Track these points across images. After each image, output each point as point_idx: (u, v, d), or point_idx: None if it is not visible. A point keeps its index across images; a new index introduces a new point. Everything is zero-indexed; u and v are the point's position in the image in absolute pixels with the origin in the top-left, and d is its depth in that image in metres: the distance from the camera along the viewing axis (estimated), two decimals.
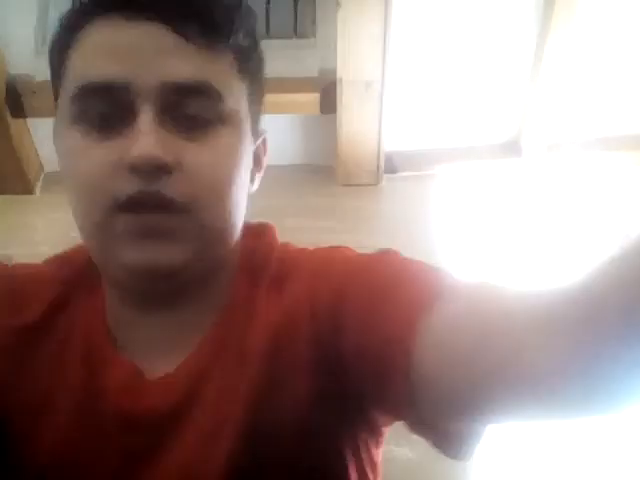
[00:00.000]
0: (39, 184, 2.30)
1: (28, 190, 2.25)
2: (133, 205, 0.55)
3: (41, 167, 2.32)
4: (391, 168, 2.27)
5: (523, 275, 2.06)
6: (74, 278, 0.66)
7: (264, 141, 0.67)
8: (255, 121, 0.63)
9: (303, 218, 2.01)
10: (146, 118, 0.54)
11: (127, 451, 0.58)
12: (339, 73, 1.99)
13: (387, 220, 2.17)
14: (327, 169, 2.28)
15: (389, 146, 2.21)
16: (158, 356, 0.61)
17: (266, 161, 0.68)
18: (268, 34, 2.14)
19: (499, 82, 2.15)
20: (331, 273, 0.60)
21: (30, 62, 2.14)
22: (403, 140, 2.26)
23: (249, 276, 0.64)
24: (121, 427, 0.59)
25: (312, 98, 2.08)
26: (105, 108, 0.55)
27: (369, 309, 0.56)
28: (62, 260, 0.68)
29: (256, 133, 0.64)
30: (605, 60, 2.05)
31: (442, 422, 0.53)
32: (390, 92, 2.04)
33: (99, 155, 0.55)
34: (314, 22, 2.16)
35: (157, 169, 0.54)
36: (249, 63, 0.62)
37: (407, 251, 2.05)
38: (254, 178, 0.65)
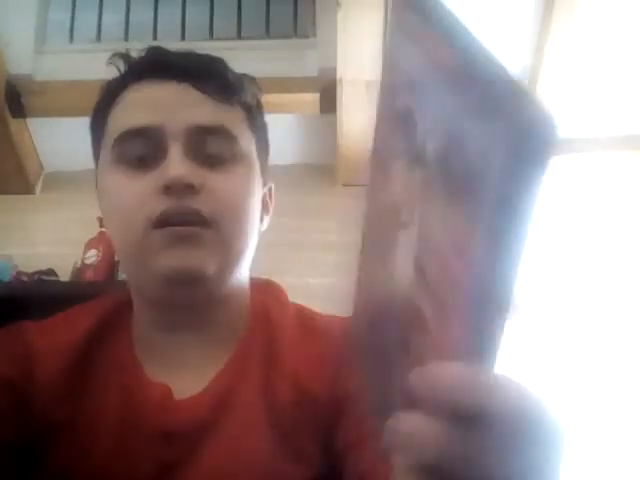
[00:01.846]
0: (39, 184, 2.30)
1: (28, 190, 2.26)
2: (165, 220, 0.64)
3: (41, 167, 2.32)
4: None
5: (523, 275, 2.06)
6: (104, 315, 0.75)
7: (270, 190, 0.79)
8: (263, 169, 0.74)
9: (303, 218, 2.01)
10: (176, 152, 0.66)
11: (161, 464, 0.65)
12: (339, 73, 2.00)
13: None
14: (327, 169, 2.28)
15: None
16: (184, 377, 0.69)
17: (272, 209, 0.79)
18: (268, 34, 2.14)
19: None
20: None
21: (30, 62, 2.14)
22: None
23: (264, 319, 0.73)
24: (158, 441, 0.66)
25: (312, 98, 2.08)
26: (141, 149, 0.68)
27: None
28: (100, 301, 0.77)
29: (264, 179, 0.75)
30: (605, 60, 2.05)
31: None
32: None
33: (136, 186, 0.66)
34: (314, 22, 2.17)
35: (186, 188, 0.64)
36: (256, 121, 0.75)
37: None
38: (263, 219, 0.76)
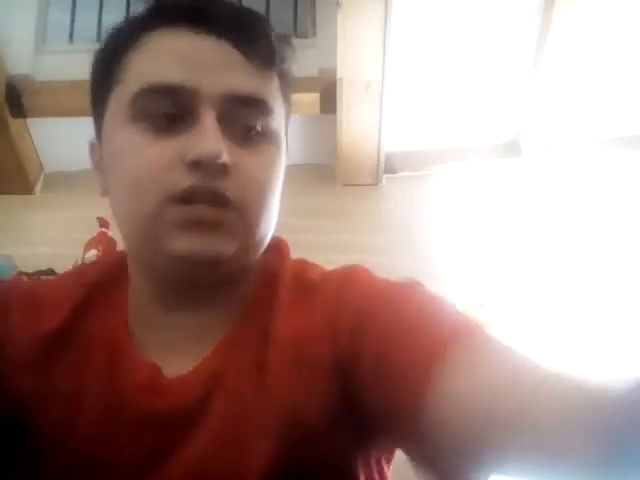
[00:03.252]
0: (39, 184, 2.30)
1: (28, 190, 2.26)
2: (188, 197, 0.57)
3: (41, 167, 2.32)
4: (391, 168, 2.27)
5: (522, 274, 2.06)
6: (94, 282, 0.69)
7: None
8: (287, 145, 0.68)
9: (303, 218, 2.01)
10: (210, 121, 0.58)
11: (148, 447, 0.61)
12: (339, 73, 2.00)
13: (387, 220, 2.17)
14: (327, 169, 2.28)
15: (389, 146, 2.21)
16: (176, 355, 0.63)
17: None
18: None
19: (499, 82, 2.16)
20: (352, 301, 0.63)
21: (30, 62, 2.14)
22: (403, 140, 2.27)
23: (266, 286, 0.67)
24: (142, 424, 0.61)
25: (312, 98, 2.08)
26: (169, 109, 0.59)
27: (386, 344, 0.58)
28: (80, 269, 0.72)
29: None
30: (605, 60, 2.05)
31: (447, 463, 0.54)
32: (390, 92, 2.04)
33: (158, 151, 0.58)
34: (314, 22, 2.17)
35: (219, 169, 0.57)
36: (287, 90, 0.68)
37: (407, 251, 2.06)
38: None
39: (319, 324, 0.62)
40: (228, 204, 0.58)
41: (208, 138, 0.57)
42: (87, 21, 2.18)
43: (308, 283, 0.67)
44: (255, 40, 0.62)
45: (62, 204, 2.20)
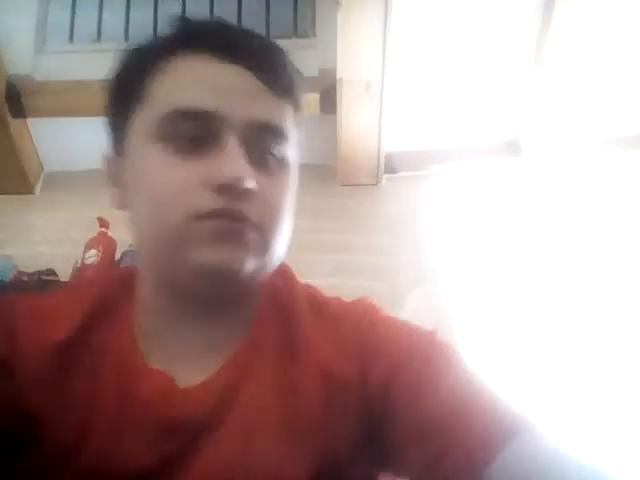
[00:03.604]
0: (39, 184, 2.30)
1: (28, 190, 2.26)
2: (215, 215, 0.61)
3: (41, 167, 2.32)
4: (391, 168, 2.27)
5: (522, 274, 2.06)
6: (98, 296, 0.70)
7: None
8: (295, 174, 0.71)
9: (303, 218, 1.99)
10: (235, 146, 0.62)
11: (162, 456, 0.62)
12: (339, 73, 2.00)
13: (387, 220, 2.17)
14: (327, 169, 2.28)
15: (389, 146, 2.21)
16: (183, 367, 0.65)
17: None
18: (268, 34, 2.14)
19: (499, 82, 2.16)
20: (383, 347, 0.67)
21: (30, 62, 2.14)
22: (403, 140, 2.27)
23: (274, 305, 0.71)
24: (156, 433, 0.62)
25: (312, 98, 2.08)
26: (195, 132, 0.62)
27: (418, 398, 0.62)
28: (84, 283, 0.74)
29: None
30: (605, 60, 2.05)
31: None
32: (390, 92, 2.04)
33: (183, 172, 0.61)
34: (314, 22, 2.17)
35: (244, 193, 0.61)
36: (299, 119, 0.71)
37: (407, 251, 2.06)
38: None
39: (346, 352, 0.67)
40: (249, 223, 0.62)
41: (234, 163, 0.60)
42: (87, 21, 2.18)
43: (324, 307, 0.72)
44: (275, 71, 0.66)
45: (62, 204, 2.20)
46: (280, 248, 0.67)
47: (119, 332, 0.68)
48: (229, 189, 0.60)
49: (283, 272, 0.74)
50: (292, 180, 0.69)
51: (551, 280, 2.04)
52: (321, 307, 0.72)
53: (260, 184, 0.62)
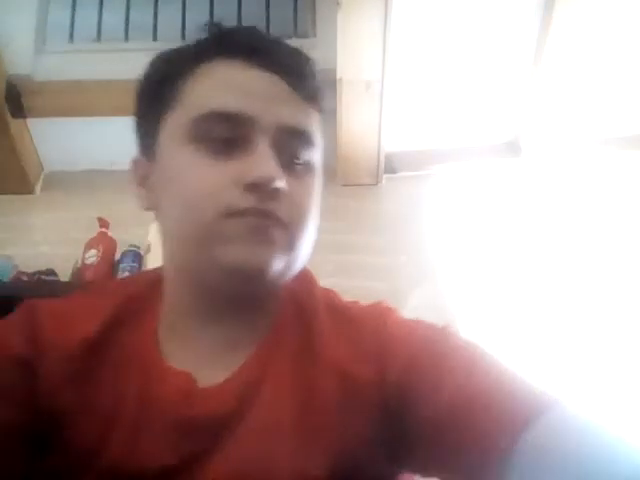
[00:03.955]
0: (39, 184, 2.30)
1: (28, 190, 2.25)
2: (245, 214, 0.62)
3: (41, 167, 2.32)
4: (391, 168, 2.27)
5: (522, 274, 2.06)
6: (125, 298, 0.73)
7: None
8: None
9: None
10: (267, 148, 0.64)
11: (183, 455, 0.63)
12: (339, 73, 2.00)
13: (387, 220, 2.17)
14: (327, 169, 2.27)
15: (389, 146, 2.21)
16: (205, 367, 0.67)
17: None
18: (268, 34, 2.14)
19: (499, 82, 2.16)
20: (398, 345, 0.68)
21: (30, 62, 2.14)
22: (403, 140, 2.27)
23: (295, 307, 0.73)
24: (178, 431, 0.64)
25: None
26: (227, 134, 0.64)
27: (458, 405, 0.61)
28: (112, 285, 0.76)
29: None
30: (605, 60, 2.05)
31: None
32: (390, 92, 2.04)
33: (215, 172, 0.63)
34: (314, 22, 2.16)
35: (273, 192, 0.62)
36: (322, 126, 0.73)
37: (407, 251, 2.06)
38: None
39: (363, 354, 0.68)
40: (277, 222, 0.63)
41: (265, 163, 0.63)
42: (87, 21, 2.18)
43: (342, 311, 0.73)
44: (304, 77, 0.69)
45: (62, 204, 2.20)
46: (305, 249, 0.69)
47: (142, 334, 0.70)
48: (260, 188, 0.62)
49: (304, 275, 0.75)
50: (319, 186, 0.71)
51: (551, 279, 2.04)
52: (339, 310, 0.73)
53: (289, 186, 0.64)
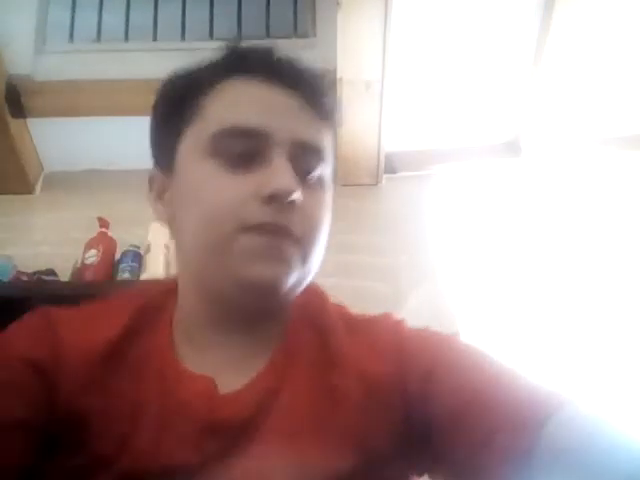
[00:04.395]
0: (39, 184, 2.30)
1: (28, 190, 2.25)
2: (261, 229, 0.65)
3: (41, 167, 2.32)
4: (391, 168, 2.27)
5: (522, 274, 2.06)
6: (143, 305, 0.75)
7: None
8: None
9: None
10: (284, 162, 0.66)
11: (204, 457, 0.64)
12: (339, 73, 1.99)
13: (387, 220, 2.17)
14: None
15: (389, 146, 2.21)
16: (222, 374, 0.68)
17: None
18: (268, 34, 2.14)
19: (499, 82, 2.16)
20: (415, 354, 0.70)
21: (30, 62, 2.14)
22: (403, 140, 2.27)
23: (306, 317, 0.75)
24: (199, 435, 0.65)
25: None
26: (245, 149, 0.67)
27: (470, 402, 0.64)
28: (130, 293, 0.77)
29: None
30: (605, 60, 2.05)
31: None
32: (390, 92, 2.04)
33: (233, 185, 0.66)
34: (314, 22, 2.16)
35: (290, 204, 0.65)
36: (335, 143, 0.77)
37: (407, 251, 2.06)
38: None
39: (382, 357, 0.70)
40: (291, 237, 0.66)
41: (282, 175, 0.65)
42: (87, 21, 2.18)
43: (356, 320, 0.76)
44: (319, 95, 0.72)
45: (62, 204, 2.20)
46: (316, 263, 0.71)
47: (160, 340, 0.72)
48: (277, 200, 0.64)
49: (313, 291, 0.78)
50: (330, 200, 0.74)
51: (551, 280, 2.04)
52: (353, 320, 0.76)
53: (306, 199, 0.67)
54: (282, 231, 0.65)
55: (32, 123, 2.22)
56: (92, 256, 1.82)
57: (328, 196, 0.73)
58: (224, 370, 0.69)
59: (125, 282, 1.73)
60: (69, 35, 2.18)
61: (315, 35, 2.15)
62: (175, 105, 0.72)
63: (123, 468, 0.63)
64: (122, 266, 1.81)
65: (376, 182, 2.26)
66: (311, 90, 0.71)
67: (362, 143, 2.15)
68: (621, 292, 2.01)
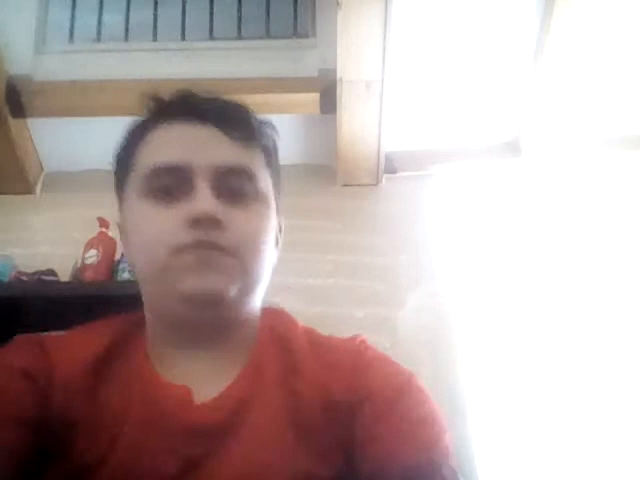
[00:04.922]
0: (39, 184, 2.30)
1: (28, 190, 2.25)
2: (190, 247, 0.71)
3: (41, 167, 2.32)
4: (391, 168, 2.27)
5: (522, 274, 2.06)
6: (117, 335, 0.80)
7: (280, 227, 0.85)
8: (277, 207, 0.82)
9: (303, 218, 2.01)
10: (204, 189, 0.73)
11: (185, 460, 0.69)
12: (339, 73, 2.00)
13: (387, 220, 2.17)
14: (327, 169, 2.28)
15: (389, 146, 2.21)
16: (198, 385, 0.73)
17: (281, 243, 0.84)
18: (268, 34, 2.14)
19: (499, 82, 2.16)
20: (365, 378, 0.76)
21: (30, 62, 2.14)
22: (403, 140, 2.27)
23: (272, 336, 0.80)
24: (178, 440, 0.70)
25: (312, 98, 2.08)
26: (171, 183, 0.74)
27: (389, 444, 0.70)
28: (114, 319, 0.83)
29: (278, 215, 0.82)
30: (605, 60, 2.05)
31: None
32: (390, 92, 2.04)
33: (163, 218, 0.73)
34: (314, 22, 2.16)
35: (214, 223, 0.71)
36: (273, 163, 0.83)
37: (407, 251, 2.07)
38: (274, 251, 0.82)
39: (340, 378, 0.75)
40: (223, 251, 0.71)
41: (203, 201, 0.71)
42: (87, 21, 2.18)
43: (321, 342, 0.81)
44: (236, 123, 0.78)
45: (62, 204, 2.20)
46: (258, 271, 0.76)
47: (136, 362, 0.77)
48: (202, 223, 0.70)
49: (282, 314, 0.84)
50: (269, 210, 0.78)
51: (551, 280, 2.04)
52: (318, 341, 0.80)
53: (233, 216, 0.72)
54: (210, 246, 0.71)
55: (32, 123, 2.22)
56: (92, 256, 1.82)
57: (265, 207, 0.78)
58: (196, 382, 0.74)
59: (125, 282, 1.73)
60: (69, 35, 2.18)
61: (315, 35, 2.15)
62: (121, 159, 0.82)
63: (108, 475, 0.68)
64: (122, 266, 1.80)
65: (376, 182, 2.26)
66: (229, 119, 0.78)
67: (362, 143, 2.15)
68: (621, 292, 2.01)
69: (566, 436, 1.78)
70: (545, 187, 2.22)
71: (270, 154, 0.82)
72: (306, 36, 2.15)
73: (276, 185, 0.82)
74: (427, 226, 2.16)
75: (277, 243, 0.83)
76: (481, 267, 2.08)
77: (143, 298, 0.80)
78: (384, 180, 2.27)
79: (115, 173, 0.83)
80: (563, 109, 2.15)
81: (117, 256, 1.86)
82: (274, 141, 0.84)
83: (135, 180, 0.77)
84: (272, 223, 0.79)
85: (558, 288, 2.03)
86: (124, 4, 2.18)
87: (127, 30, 2.17)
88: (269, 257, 0.78)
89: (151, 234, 0.73)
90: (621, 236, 2.11)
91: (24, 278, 1.81)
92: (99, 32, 2.17)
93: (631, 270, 2.05)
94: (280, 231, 0.85)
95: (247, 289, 0.75)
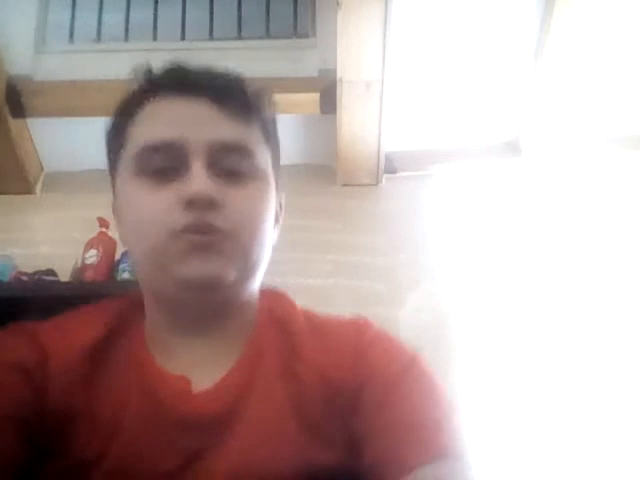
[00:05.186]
0: (39, 184, 2.30)
1: (28, 190, 2.26)
2: (187, 231, 0.67)
3: (41, 167, 2.32)
4: (391, 168, 2.27)
5: (522, 274, 2.06)
6: (117, 316, 0.78)
7: (281, 200, 0.81)
8: (277, 182, 0.78)
9: (303, 218, 2.01)
10: (198, 167, 0.69)
11: (185, 451, 0.67)
12: (339, 73, 2.00)
13: (387, 220, 2.17)
14: (327, 169, 2.28)
15: (389, 146, 2.21)
16: (197, 374, 0.71)
17: (282, 218, 0.81)
18: (268, 34, 2.14)
19: (499, 82, 2.16)
20: (365, 362, 0.73)
21: (30, 62, 2.15)
22: (403, 140, 2.27)
23: (271, 319, 0.77)
24: (178, 431, 0.68)
25: (312, 98, 2.08)
26: (162, 162, 0.70)
27: (390, 426, 0.68)
28: (102, 304, 0.80)
29: (278, 191, 0.79)
30: (605, 60, 2.05)
31: None
32: (390, 92, 2.04)
33: (158, 198, 0.69)
34: (314, 22, 2.17)
35: (209, 204, 0.67)
36: (271, 136, 0.78)
37: (406, 251, 2.07)
38: (274, 229, 0.79)
39: (340, 363, 0.72)
40: (220, 233, 0.68)
41: (198, 181, 0.68)
42: (87, 21, 2.18)
43: (321, 325, 0.77)
44: (232, 97, 0.73)
45: (62, 204, 2.20)
46: (257, 252, 0.72)
47: (137, 345, 0.75)
48: (196, 203, 0.67)
49: (281, 297, 0.81)
50: (268, 188, 0.75)
51: (551, 280, 2.04)
52: (318, 324, 0.77)
53: (229, 196, 0.69)
54: (207, 229, 0.67)
55: (32, 123, 2.22)
56: (92, 256, 1.82)
57: (264, 185, 0.74)
58: (195, 370, 0.71)
59: (125, 282, 1.73)
60: (69, 35, 2.18)
61: (315, 35, 2.15)
62: (112, 136, 0.78)
63: (107, 468, 0.66)
64: (122, 266, 1.80)
65: (376, 182, 2.26)
66: (225, 93, 0.73)
67: (362, 143, 2.15)
68: (621, 291, 2.01)
69: (566, 436, 1.79)
70: (545, 187, 2.22)
71: (268, 128, 0.78)
72: (306, 36, 2.15)
73: (275, 160, 0.78)
74: (427, 226, 2.16)
75: (277, 221, 0.80)
76: (481, 267, 2.08)
77: (139, 281, 0.77)
78: (384, 180, 2.27)
79: (107, 153, 0.79)
80: (563, 109, 2.15)
81: (117, 256, 1.86)
82: (272, 113, 0.79)
83: (127, 158, 0.73)
84: (271, 201, 0.75)
85: (558, 287, 2.03)
86: (124, 4, 2.19)
87: (127, 30, 2.17)
88: (269, 237, 0.75)
89: (145, 215, 0.70)
90: (621, 236, 2.11)
91: (24, 278, 1.81)
92: (99, 32, 2.18)
93: (631, 270, 2.05)
94: (280, 208, 0.81)
95: (246, 271, 0.72)
